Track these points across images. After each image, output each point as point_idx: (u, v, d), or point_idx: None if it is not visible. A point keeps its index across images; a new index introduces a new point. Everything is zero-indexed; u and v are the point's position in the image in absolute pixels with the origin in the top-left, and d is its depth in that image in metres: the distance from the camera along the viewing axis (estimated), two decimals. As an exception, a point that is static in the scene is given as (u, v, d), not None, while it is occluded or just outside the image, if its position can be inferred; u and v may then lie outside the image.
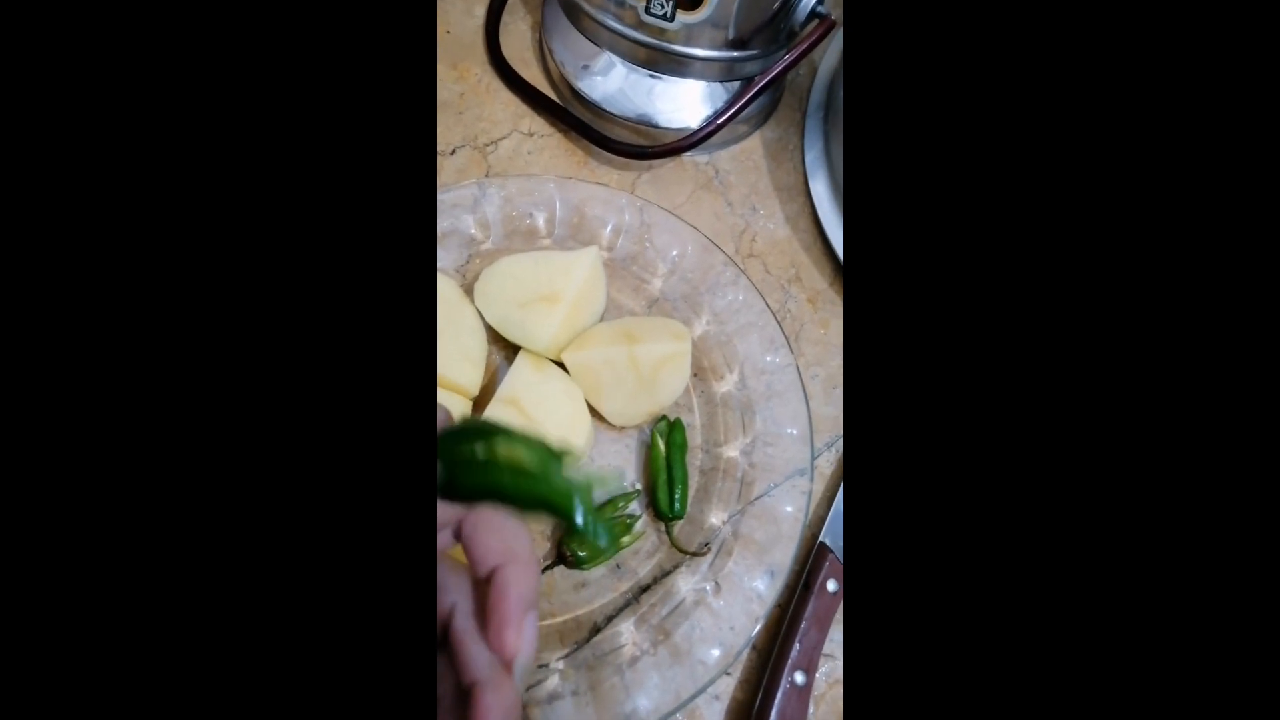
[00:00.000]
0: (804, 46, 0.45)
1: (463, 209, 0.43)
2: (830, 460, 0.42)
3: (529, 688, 0.35)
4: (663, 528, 0.39)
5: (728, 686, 0.37)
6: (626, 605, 0.38)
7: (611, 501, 0.38)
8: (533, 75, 0.52)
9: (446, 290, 0.40)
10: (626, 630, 0.37)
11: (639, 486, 0.40)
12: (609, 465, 0.40)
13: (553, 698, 0.35)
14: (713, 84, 0.48)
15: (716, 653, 0.35)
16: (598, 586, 0.38)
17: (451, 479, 0.19)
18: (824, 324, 0.46)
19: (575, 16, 0.48)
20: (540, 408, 0.38)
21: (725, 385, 0.42)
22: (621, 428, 0.41)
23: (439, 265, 0.43)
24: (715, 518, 0.39)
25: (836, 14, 0.45)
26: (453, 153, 0.49)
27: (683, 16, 0.43)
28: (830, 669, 0.38)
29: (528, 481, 0.19)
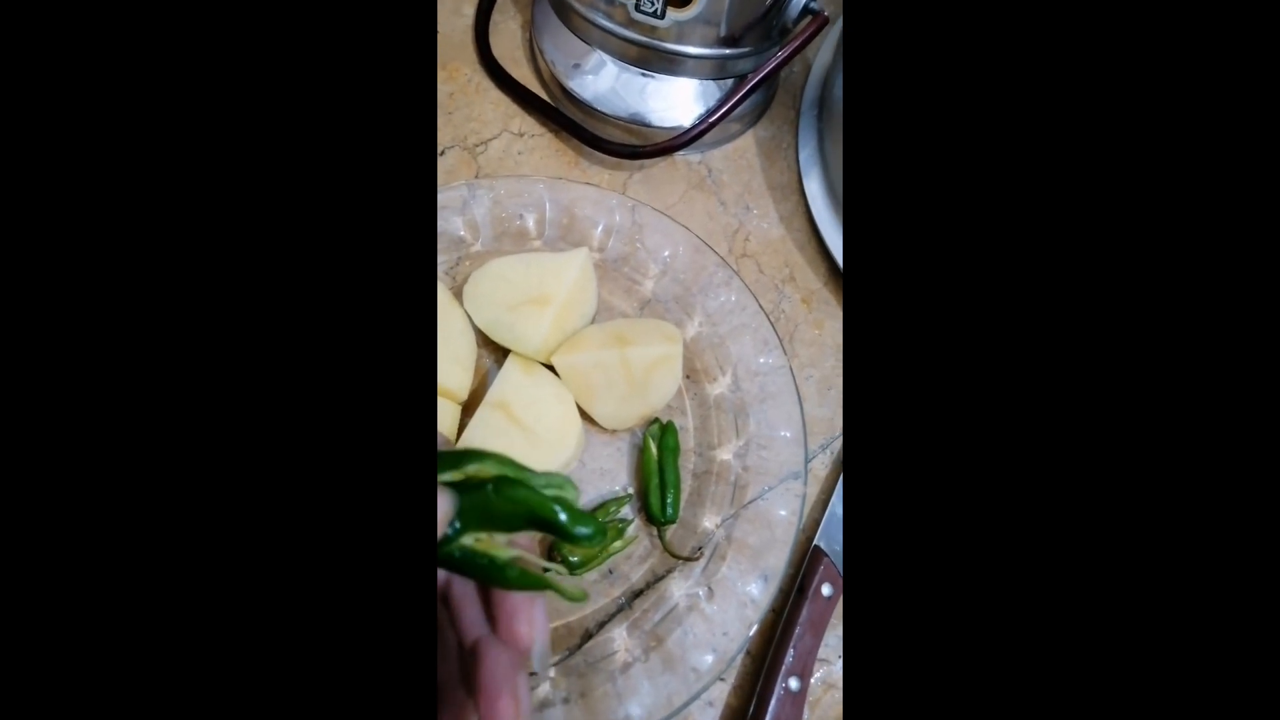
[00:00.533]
0: (797, 43, 0.44)
1: (452, 210, 0.43)
2: (825, 463, 0.42)
3: (520, 695, 0.35)
4: (655, 532, 0.39)
5: (721, 693, 0.37)
6: (619, 611, 0.38)
7: (603, 506, 0.38)
8: (523, 75, 0.51)
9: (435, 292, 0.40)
10: (619, 636, 0.37)
11: (630, 490, 0.39)
12: (600, 469, 0.40)
13: (544, 705, 0.35)
14: (705, 82, 0.47)
15: (710, 659, 0.35)
16: (589, 592, 0.38)
17: None
18: (818, 325, 0.45)
19: (565, 15, 0.47)
20: (530, 411, 0.37)
21: (718, 387, 0.41)
22: (613, 431, 0.40)
23: (428, 267, 0.43)
24: (708, 522, 0.39)
25: (830, 10, 0.44)
26: (442, 153, 0.48)
27: (673, 14, 0.42)
28: (825, 674, 0.37)
29: (506, 496, 0.19)
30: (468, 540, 0.19)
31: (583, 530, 0.19)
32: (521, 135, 0.49)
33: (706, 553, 0.38)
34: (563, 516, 0.19)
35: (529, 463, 0.36)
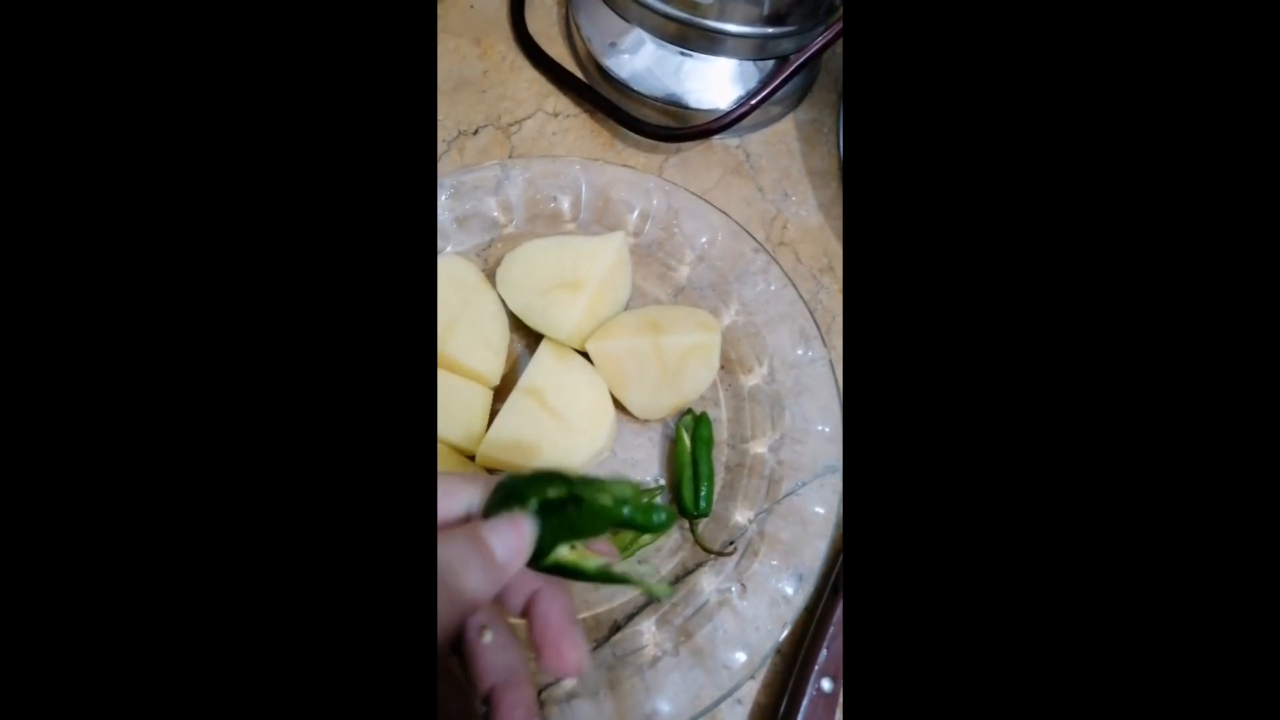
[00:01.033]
0: (843, 24, 0.42)
1: (485, 191, 0.42)
2: (861, 459, 0.41)
3: (545, 687, 0.34)
4: (686, 525, 0.38)
5: (750, 690, 0.36)
6: (647, 604, 0.37)
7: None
8: (558, 52, 0.50)
9: (467, 274, 0.39)
10: (647, 630, 0.36)
11: (662, 482, 0.39)
12: (631, 460, 0.39)
13: (570, 697, 0.34)
14: (745, 62, 0.46)
15: (741, 656, 0.34)
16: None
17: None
18: (857, 316, 0.44)
19: (603, -10, 0.46)
20: (562, 398, 0.36)
21: (753, 379, 0.40)
22: (645, 420, 0.39)
23: (460, 248, 0.42)
24: (741, 516, 0.38)
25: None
26: (475, 132, 0.47)
27: (717, -10, 0.41)
28: (858, 675, 0.36)
29: (584, 512, 0.22)
30: (563, 551, 0.22)
31: (657, 519, 0.22)
32: (556, 115, 0.48)
33: (739, 548, 0.37)
34: (632, 515, 0.22)
35: (563, 452, 0.36)
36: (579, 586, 0.37)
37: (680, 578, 0.37)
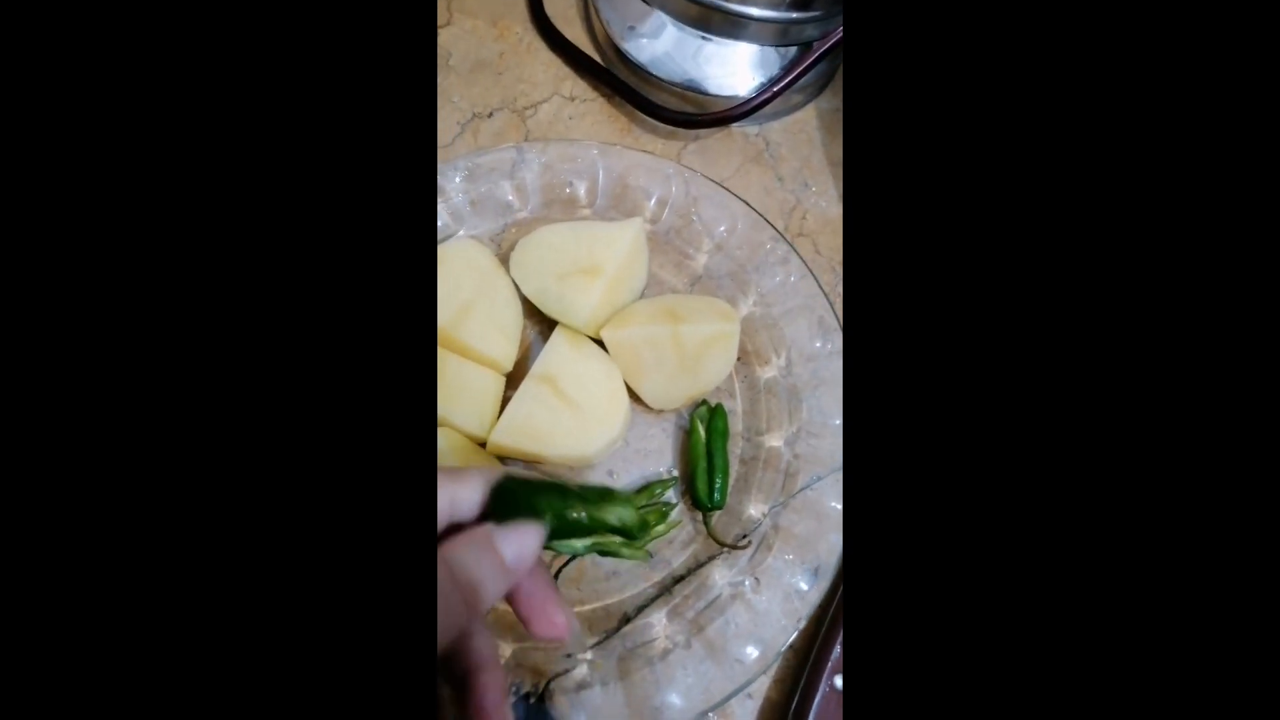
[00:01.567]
0: (843, 24, 0.41)
1: (500, 174, 0.41)
2: (878, 454, 0.40)
3: (555, 676, 0.34)
4: (699, 517, 0.37)
5: (761, 685, 0.36)
6: (659, 596, 0.36)
7: (647, 488, 0.37)
8: (576, 35, 0.49)
9: (481, 259, 0.38)
10: (658, 621, 0.36)
11: (675, 473, 0.38)
12: (644, 450, 0.39)
13: (581, 687, 0.34)
14: (766, 48, 0.45)
15: (754, 651, 0.33)
16: (629, 575, 0.37)
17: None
18: (876, 309, 0.43)
19: (624, -29, 0.45)
20: (576, 386, 0.36)
21: (770, 371, 0.40)
22: (659, 411, 0.39)
23: (473, 232, 0.41)
24: (754, 509, 0.37)
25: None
26: (490, 115, 0.46)
27: (742, -28, 0.40)
28: (870, 673, 0.36)
29: (581, 521, 0.26)
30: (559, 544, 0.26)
31: (631, 534, 0.28)
32: (573, 99, 0.47)
33: (753, 541, 0.36)
34: (627, 530, 0.27)
35: (575, 440, 0.36)
36: (591, 577, 0.37)
37: (692, 570, 0.37)
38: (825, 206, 0.46)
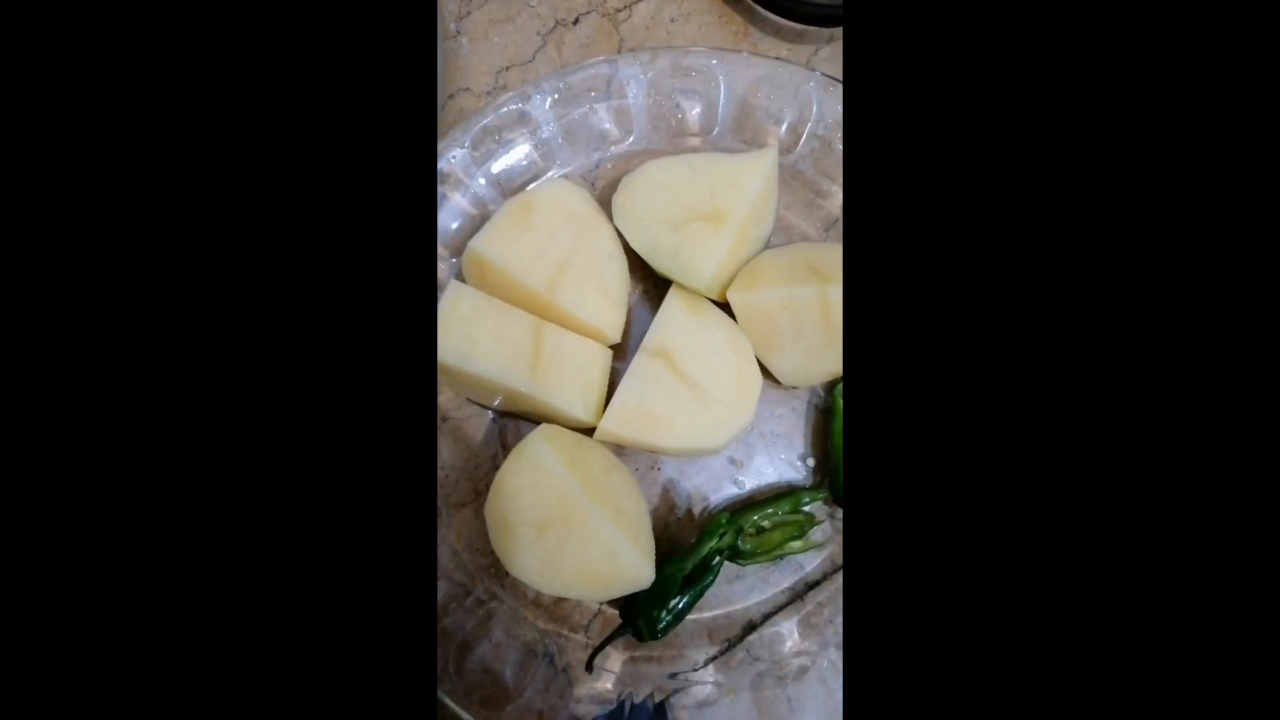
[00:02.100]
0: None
1: (595, 96, 0.33)
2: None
3: (675, 691, 0.30)
4: (838, 514, 0.31)
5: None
6: (789, 603, 0.31)
7: (792, 495, 0.31)
8: (678, -89, 0.39)
9: (579, 204, 0.31)
10: (788, 631, 0.31)
11: (811, 462, 0.32)
12: (772, 432, 0.33)
13: (702, 705, 0.30)
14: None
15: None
16: (754, 579, 0.32)
17: None
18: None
19: None
20: (698, 362, 0.30)
21: (927, 339, 0.32)
22: (791, 387, 0.32)
23: (565, 169, 0.34)
24: (906, 507, 0.31)
25: None
26: (575, 21, 0.38)
27: None
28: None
29: None
30: None
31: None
32: (676, -4, 0.38)
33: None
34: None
35: (699, 429, 0.30)
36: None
37: (829, 574, 0.32)
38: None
